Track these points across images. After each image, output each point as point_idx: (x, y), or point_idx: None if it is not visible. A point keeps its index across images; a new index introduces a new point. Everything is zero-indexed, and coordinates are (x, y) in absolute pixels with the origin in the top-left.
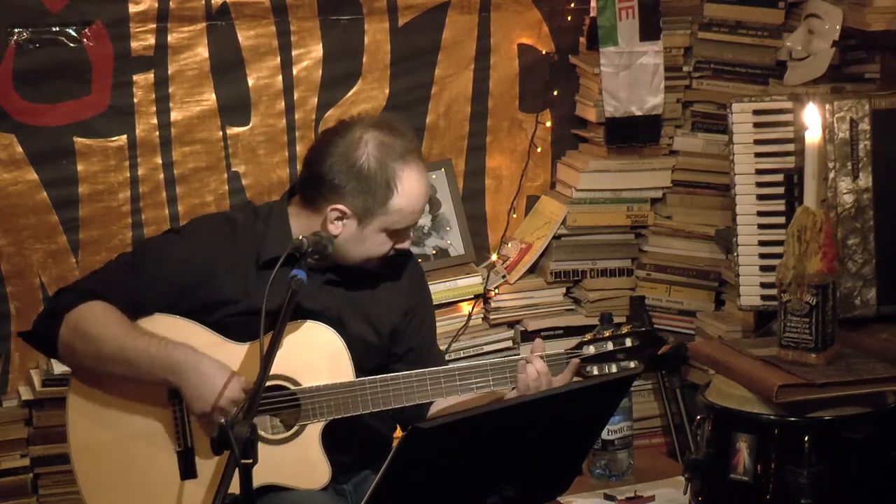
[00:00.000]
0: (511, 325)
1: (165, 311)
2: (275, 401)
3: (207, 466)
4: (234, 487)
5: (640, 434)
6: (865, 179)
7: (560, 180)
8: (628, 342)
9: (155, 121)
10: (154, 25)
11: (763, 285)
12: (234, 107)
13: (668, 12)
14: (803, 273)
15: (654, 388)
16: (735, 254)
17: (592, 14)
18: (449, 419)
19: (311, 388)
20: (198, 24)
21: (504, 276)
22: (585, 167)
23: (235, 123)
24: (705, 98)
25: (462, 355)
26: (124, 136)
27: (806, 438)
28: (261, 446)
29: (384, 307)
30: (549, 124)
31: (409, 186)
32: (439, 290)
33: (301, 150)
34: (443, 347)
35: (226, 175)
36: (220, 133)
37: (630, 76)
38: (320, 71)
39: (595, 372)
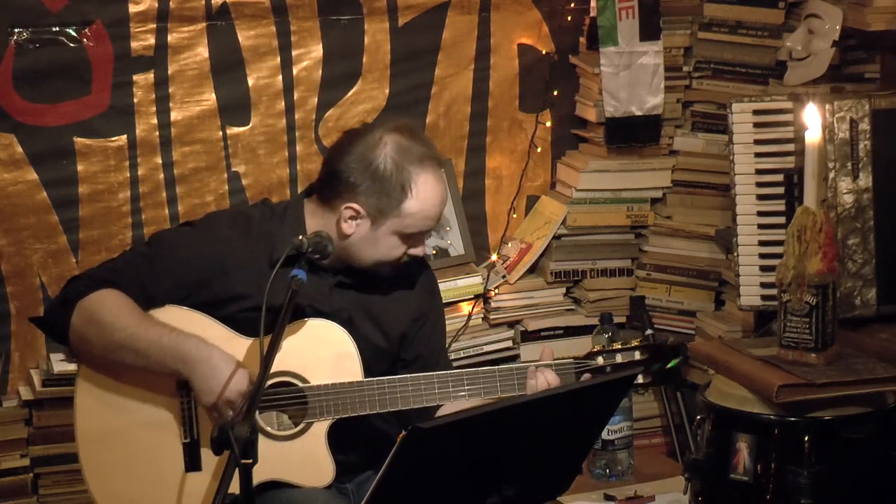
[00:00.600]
0: (511, 325)
1: (177, 304)
2: (282, 397)
3: (212, 459)
4: (234, 487)
5: (640, 434)
6: (865, 179)
7: (560, 180)
8: (637, 355)
9: (155, 121)
10: (154, 25)
11: (763, 285)
12: (234, 107)
13: (668, 12)
14: (803, 273)
15: (654, 389)
16: (735, 254)
17: (592, 14)
18: (449, 419)
19: (318, 385)
20: (198, 24)
21: (504, 276)
22: (585, 167)
23: (235, 123)
24: (705, 98)
25: (462, 355)
26: (124, 136)
27: (806, 438)
28: (267, 442)
29: (395, 312)
30: (549, 124)
31: (423, 191)
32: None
33: (301, 150)
34: None
35: (226, 175)
36: (220, 133)
37: (630, 76)
38: (320, 71)
39: None
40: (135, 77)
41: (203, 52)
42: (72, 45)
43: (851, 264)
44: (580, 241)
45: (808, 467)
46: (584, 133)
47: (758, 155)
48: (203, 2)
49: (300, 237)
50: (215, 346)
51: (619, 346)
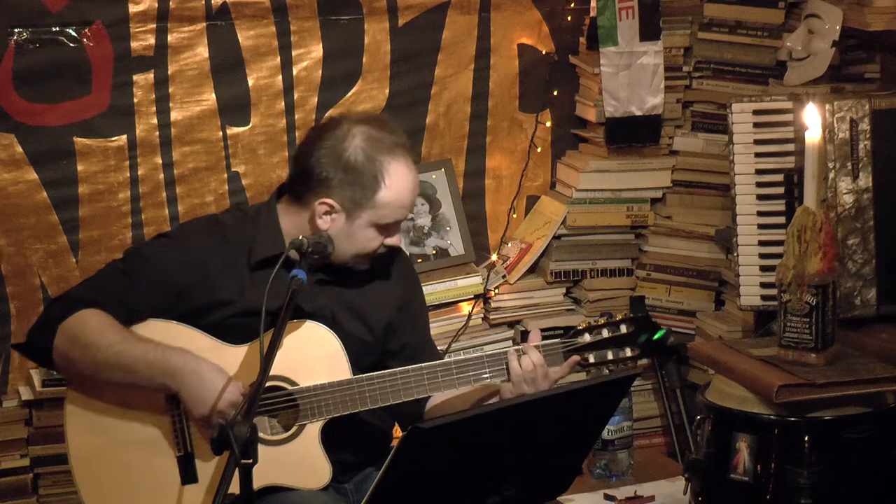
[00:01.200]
0: (511, 325)
1: (160, 316)
2: (273, 401)
3: (208, 470)
4: (234, 488)
5: (640, 434)
6: (865, 179)
7: (560, 180)
8: (623, 328)
9: (155, 121)
10: (154, 25)
11: (763, 285)
12: (234, 107)
13: (668, 12)
14: (803, 273)
15: (654, 388)
16: (735, 254)
17: (592, 14)
18: (449, 419)
19: (308, 387)
20: (198, 24)
21: (504, 276)
22: (585, 167)
23: (235, 123)
24: (705, 98)
25: (462, 355)
26: (124, 136)
27: (806, 438)
28: (260, 447)
29: (377, 304)
30: (549, 124)
31: (396, 179)
32: (439, 290)
33: None
34: (442, 348)
35: (226, 175)
36: (220, 133)
37: (630, 76)
38: (320, 71)
39: (592, 360)
40: (135, 77)
41: (203, 52)
42: (72, 45)
43: (851, 264)
44: (580, 241)
45: (808, 467)
46: (584, 133)
47: (758, 155)
48: (203, 2)
49: (300, 237)
50: (202, 358)
51: (605, 322)
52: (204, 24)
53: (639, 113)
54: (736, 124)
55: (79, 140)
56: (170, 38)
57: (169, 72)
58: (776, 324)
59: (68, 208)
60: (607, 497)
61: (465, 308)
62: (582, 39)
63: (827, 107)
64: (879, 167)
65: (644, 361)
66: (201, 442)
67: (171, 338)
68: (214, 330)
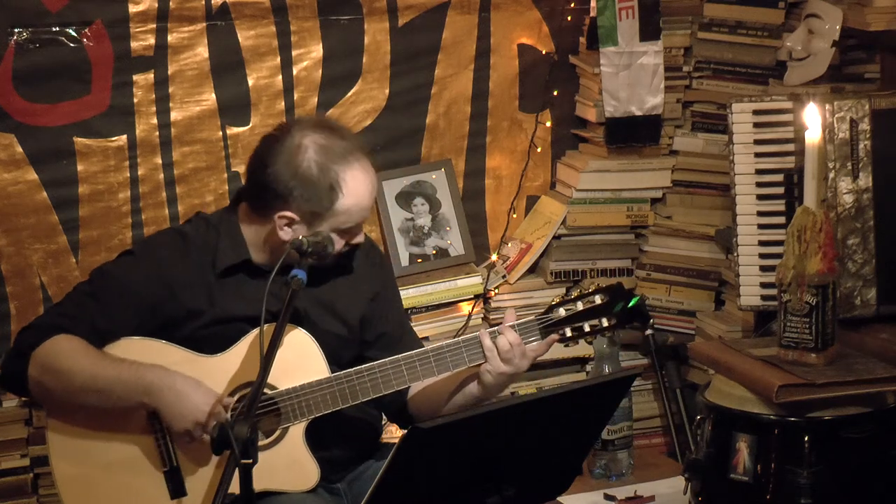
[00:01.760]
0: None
1: (132, 334)
2: None
3: (195, 483)
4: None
5: (640, 434)
6: (865, 179)
7: (560, 180)
8: (598, 299)
9: (155, 121)
10: (154, 25)
11: (763, 285)
12: (234, 107)
13: (668, 12)
14: (803, 273)
15: (654, 388)
16: (735, 254)
17: (592, 14)
18: (449, 419)
19: (287, 389)
20: (198, 24)
21: (504, 276)
22: (585, 167)
23: (235, 123)
24: (705, 98)
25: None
26: (124, 136)
27: (806, 438)
28: None
29: (349, 298)
30: (549, 124)
31: (353, 187)
32: (439, 290)
33: None
34: None
35: (226, 175)
36: (220, 133)
37: (630, 76)
38: (320, 71)
39: (569, 333)
40: (135, 77)
41: (203, 52)
42: (72, 45)
43: (851, 264)
44: (580, 241)
45: (808, 467)
46: (584, 133)
47: (758, 155)
48: (203, 2)
49: (301, 237)
50: (176, 372)
51: (578, 294)
52: (204, 24)
53: (639, 113)
54: (736, 124)
55: (79, 140)
56: (170, 38)
57: (169, 72)
58: (776, 324)
59: (68, 208)
60: (607, 497)
61: (465, 308)
62: (582, 39)
63: (827, 107)
64: (879, 167)
65: (644, 362)
66: (186, 455)
67: (145, 354)
68: (188, 342)
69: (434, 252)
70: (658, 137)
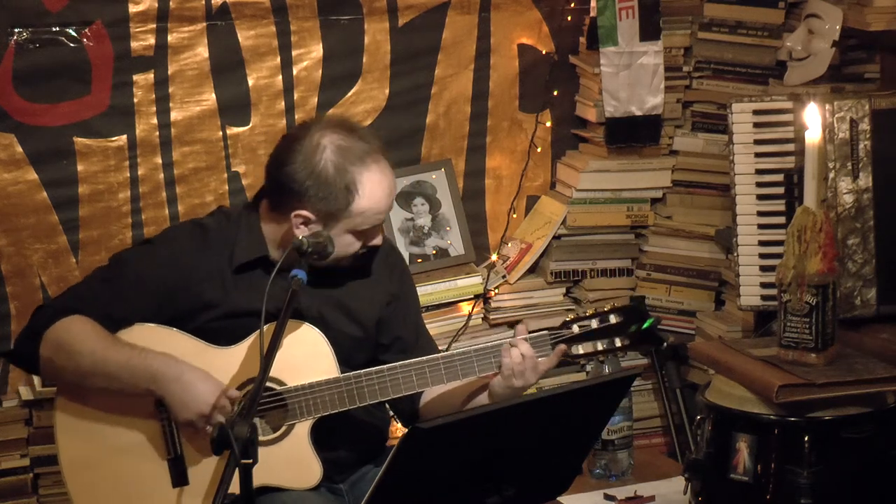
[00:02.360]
0: (511, 325)
1: (146, 321)
2: (261, 402)
3: (198, 473)
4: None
5: (640, 434)
6: (865, 179)
7: (560, 180)
8: (612, 319)
9: (155, 121)
10: (154, 25)
11: (763, 285)
12: (234, 107)
13: (668, 12)
14: (803, 273)
15: (654, 388)
16: (735, 254)
17: (592, 14)
18: (449, 419)
19: (296, 386)
20: (198, 24)
21: (504, 276)
22: (585, 167)
23: (235, 123)
24: (705, 98)
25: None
26: (124, 136)
27: (806, 438)
28: None
29: (365, 300)
30: (549, 124)
31: (370, 189)
32: (439, 290)
33: None
34: (442, 348)
35: (226, 175)
36: (220, 133)
37: (630, 76)
38: (320, 71)
39: (581, 351)
40: (135, 77)
41: (203, 52)
42: (72, 45)
43: (851, 264)
44: (580, 241)
45: (808, 467)
46: (584, 133)
47: (758, 155)
48: (203, 2)
49: (301, 237)
50: (184, 362)
51: (593, 312)
52: (204, 24)
53: (639, 113)
54: (736, 124)
55: (79, 140)
56: (170, 38)
57: (169, 72)
58: (776, 324)
59: (68, 208)
60: (607, 497)
61: (465, 308)
62: (582, 39)
63: (827, 107)
64: (879, 167)
65: (644, 362)
66: (190, 445)
67: (157, 342)
68: (200, 333)
69: (434, 252)
70: (658, 137)
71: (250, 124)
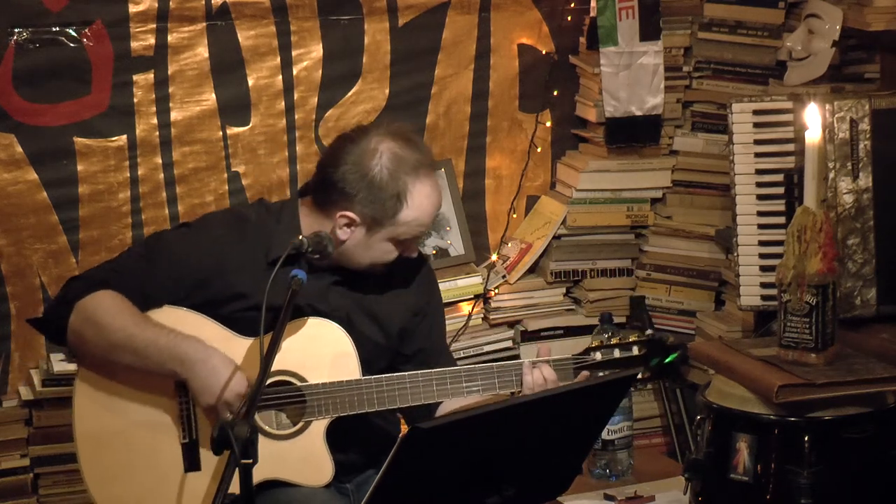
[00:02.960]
0: (511, 325)
1: (176, 304)
2: (281, 396)
3: (211, 459)
4: (234, 487)
5: (640, 434)
6: (865, 179)
7: (560, 180)
8: (636, 350)
9: (155, 121)
10: (154, 25)
11: (763, 285)
12: (234, 107)
13: (668, 12)
14: (803, 273)
15: (654, 388)
16: (735, 254)
17: (592, 14)
18: (449, 419)
19: (316, 384)
20: (198, 24)
21: (504, 276)
22: (585, 167)
23: (235, 123)
24: (705, 98)
25: (462, 355)
26: (124, 136)
27: (806, 438)
28: (265, 441)
29: (393, 308)
30: (549, 124)
31: (419, 200)
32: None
33: (301, 150)
34: None
35: (226, 175)
36: (220, 133)
37: (630, 76)
38: (320, 71)
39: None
40: (135, 77)
41: (203, 52)
42: (72, 45)
43: (851, 264)
44: (580, 241)
45: (808, 467)
46: (584, 133)
47: (758, 155)
48: (203, 2)
49: (300, 237)
50: (213, 348)
51: (617, 342)
52: (204, 24)
53: (639, 113)
54: (736, 124)
55: (79, 140)
56: (170, 38)
57: (169, 72)
58: (776, 324)
59: (68, 208)
60: (607, 497)
61: (465, 308)
62: (582, 39)
63: (827, 107)
64: (879, 167)
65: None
66: (207, 430)
67: (185, 325)
68: (227, 321)
69: (434, 252)
70: (658, 137)
71: (250, 124)
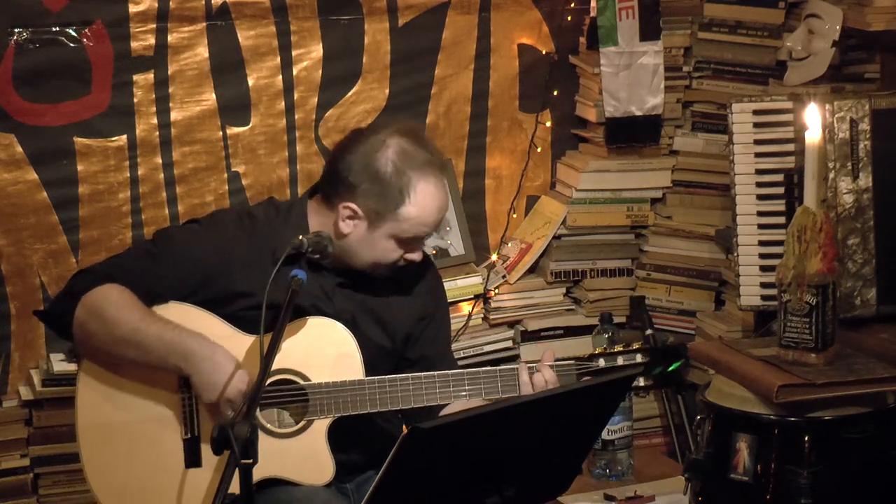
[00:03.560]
0: (511, 325)
1: (182, 300)
2: (284, 394)
3: (212, 456)
4: (234, 487)
5: (640, 434)
6: (865, 179)
7: (560, 180)
8: (639, 358)
9: (155, 121)
10: (154, 25)
11: (763, 285)
12: (234, 107)
13: (668, 12)
14: (803, 273)
15: (654, 389)
16: (735, 254)
17: (592, 14)
18: (449, 419)
19: (319, 383)
20: (198, 24)
21: (504, 276)
22: (585, 167)
23: (235, 123)
24: (705, 98)
25: (462, 355)
26: (124, 136)
27: (806, 438)
28: (267, 439)
29: (399, 312)
30: (549, 124)
31: (422, 197)
32: None
33: (301, 150)
34: None
35: (226, 175)
36: (220, 133)
37: (630, 76)
38: (320, 71)
39: None
40: (135, 77)
41: (203, 52)
42: (72, 45)
43: (851, 264)
44: (580, 241)
45: (808, 467)
46: (584, 133)
47: (758, 155)
48: (203, 2)
49: (300, 237)
50: (218, 345)
51: (621, 349)
52: (204, 24)
53: (639, 113)
54: (736, 124)
55: (79, 140)
56: (170, 38)
57: (169, 72)
58: (776, 324)
59: (68, 208)
60: (607, 497)
61: (465, 308)
62: (582, 39)
63: (827, 107)
64: (879, 167)
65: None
66: (209, 427)
67: (190, 322)
68: (233, 319)
69: (434, 252)
70: (658, 137)
71: (250, 124)
